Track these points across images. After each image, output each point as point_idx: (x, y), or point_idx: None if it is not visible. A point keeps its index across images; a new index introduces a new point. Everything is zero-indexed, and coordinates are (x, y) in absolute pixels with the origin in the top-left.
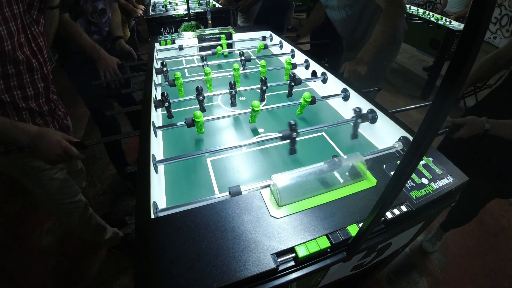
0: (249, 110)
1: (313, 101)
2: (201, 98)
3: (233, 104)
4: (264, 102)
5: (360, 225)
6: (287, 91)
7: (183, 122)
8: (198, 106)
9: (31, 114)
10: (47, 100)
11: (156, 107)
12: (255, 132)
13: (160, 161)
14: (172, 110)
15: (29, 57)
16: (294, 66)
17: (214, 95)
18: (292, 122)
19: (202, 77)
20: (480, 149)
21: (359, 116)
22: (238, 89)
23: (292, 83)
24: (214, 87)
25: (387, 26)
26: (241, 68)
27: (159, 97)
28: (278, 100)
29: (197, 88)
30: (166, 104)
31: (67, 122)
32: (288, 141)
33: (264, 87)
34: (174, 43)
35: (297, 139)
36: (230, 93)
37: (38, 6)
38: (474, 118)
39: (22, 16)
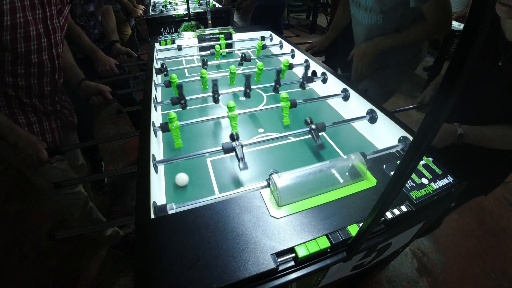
0: (249, 110)
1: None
2: (216, 96)
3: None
4: (264, 102)
5: (360, 225)
6: (288, 90)
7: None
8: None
9: (34, 110)
10: (52, 102)
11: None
12: (255, 132)
13: (160, 161)
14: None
15: (43, 62)
16: (291, 66)
17: (210, 96)
18: (234, 133)
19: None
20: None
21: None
22: (237, 88)
23: (305, 82)
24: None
25: (419, 36)
26: (241, 68)
27: (177, 96)
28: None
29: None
30: (182, 101)
31: (72, 119)
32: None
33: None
34: (174, 43)
35: (297, 139)
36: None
37: (66, 14)
38: (444, 125)
39: (48, 21)
